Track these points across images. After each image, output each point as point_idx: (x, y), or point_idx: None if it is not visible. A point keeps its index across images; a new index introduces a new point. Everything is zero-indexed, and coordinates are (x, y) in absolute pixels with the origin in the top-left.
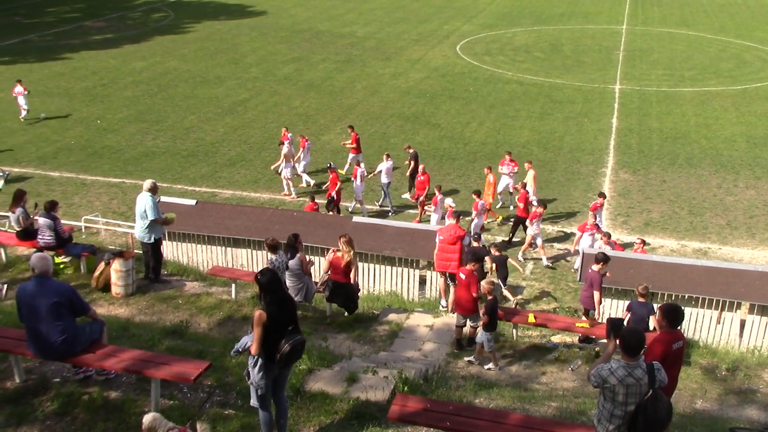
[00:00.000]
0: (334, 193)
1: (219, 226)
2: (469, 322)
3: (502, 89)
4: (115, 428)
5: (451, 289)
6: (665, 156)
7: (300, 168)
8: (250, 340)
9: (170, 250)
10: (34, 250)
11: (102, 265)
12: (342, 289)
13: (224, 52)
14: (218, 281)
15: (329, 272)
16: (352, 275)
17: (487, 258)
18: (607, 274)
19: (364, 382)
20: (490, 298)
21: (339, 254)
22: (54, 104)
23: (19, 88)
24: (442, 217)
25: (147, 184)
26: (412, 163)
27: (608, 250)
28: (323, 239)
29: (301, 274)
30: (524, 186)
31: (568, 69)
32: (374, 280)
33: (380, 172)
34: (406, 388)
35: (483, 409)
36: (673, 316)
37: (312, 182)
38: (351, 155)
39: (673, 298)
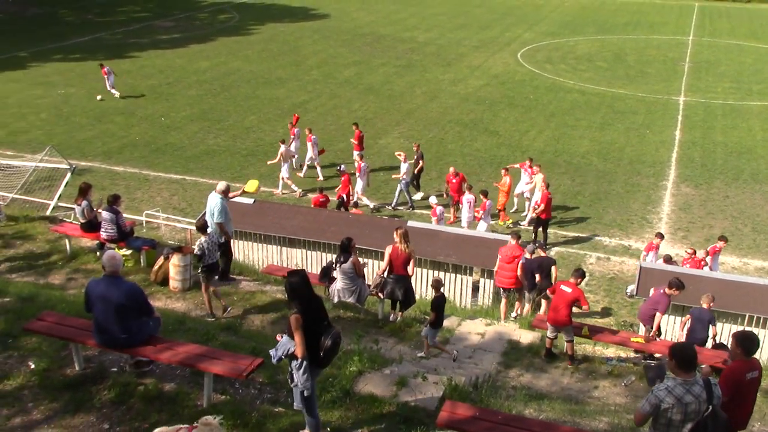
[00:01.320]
0: (344, 195)
1: (275, 226)
2: (564, 336)
3: (562, 98)
4: (168, 420)
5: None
6: (729, 171)
7: (307, 160)
8: (291, 345)
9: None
10: (97, 242)
11: (161, 260)
12: (401, 281)
13: (286, 54)
14: (273, 280)
15: (387, 267)
16: (410, 268)
17: (553, 267)
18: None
19: (414, 387)
20: (437, 294)
21: (399, 246)
22: (121, 101)
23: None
24: (475, 218)
25: (220, 185)
26: (420, 162)
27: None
28: (378, 242)
29: (355, 276)
30: (547, 186)
31: (631, 79)
32: (427, 286)
33: (404, 174)
34: (455, 395)
35: (532, 420)
36: (747, 344)
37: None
38: (355, 152)
39: (735, 318)
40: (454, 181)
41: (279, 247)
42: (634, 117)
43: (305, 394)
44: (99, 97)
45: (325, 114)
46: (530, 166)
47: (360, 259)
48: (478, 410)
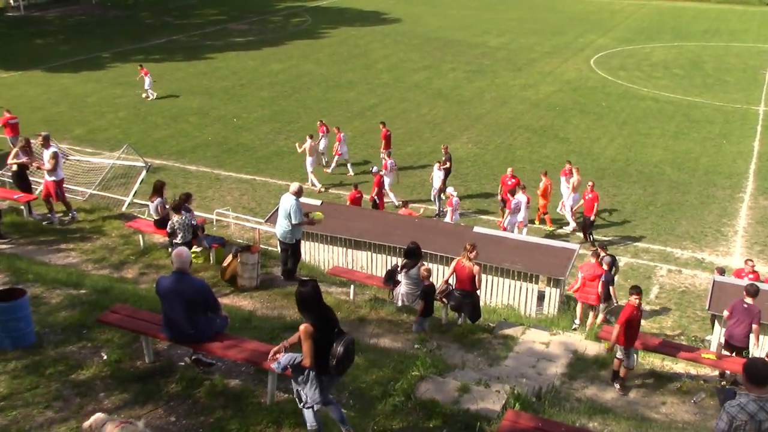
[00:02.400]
0: (375, 197)
1: (341, 228)
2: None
3: (636, 105)
4: (232, 415)
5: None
6: None
7: (344, 155)
8: (298, 356)
9: None
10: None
11: (230, 258)
12: (468, 297)
13: (357, 58)
14: (337, 281)
15: (452, 281)
16: (477, 281)
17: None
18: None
19: (476, 394)
20: (426, 284)
21: (464, 262)
22: (196, 101)
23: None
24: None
25: (293, 187)
26: (448, 164)
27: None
28: (443, 247)
29: (420, 281)
30: (592, 187)
31: (708, 87)
32: (491, 292)
33: (438, 178)
34: (517, 405)
35: None
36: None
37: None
38: (382, 151)
39: None
40: (509, 183)
41: (344, 249)
42: (711, 126)
43: (315, 409)
44: (144, 95)
45: (393, 118)
46: (570, 171)
47: (425, 264)
48: (540, 421)
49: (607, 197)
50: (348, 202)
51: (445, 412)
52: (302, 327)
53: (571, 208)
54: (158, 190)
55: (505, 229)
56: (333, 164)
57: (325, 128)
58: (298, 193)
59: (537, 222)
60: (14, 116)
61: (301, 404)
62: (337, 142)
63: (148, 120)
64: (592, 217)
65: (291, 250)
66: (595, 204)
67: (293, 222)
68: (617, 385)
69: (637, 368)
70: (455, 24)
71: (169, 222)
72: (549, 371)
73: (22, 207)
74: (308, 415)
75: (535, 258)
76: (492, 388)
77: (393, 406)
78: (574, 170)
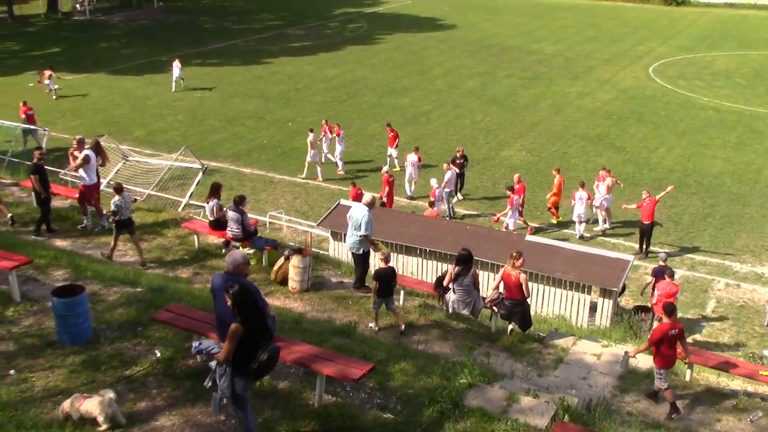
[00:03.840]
0: (386, 196)
1: (392, 233)
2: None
3: (696, 115)
4: (280, 416)
5: None
6: None
7: (338, 154)
8: (216, 347)
9: (345, 251)
10: (223, 240)
11: (282, 260)
12: (519, 306)
13: (412, 64)
14: None
15: (501, 289)
16: (524, 290)
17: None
18: None
19: (524, 405)
20: (384, 266)
21: (509, 270)
22: (252, 105)
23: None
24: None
25: (366, 198)
26: (459, 165)
27: None
28: (495, 255)
29: (471, 288)
30: (649, 195)
31: None
32: (543, 302)
33: (447, 181)
34: (566, 417)
35: None
36: None
37: (342, 170)
38: (390, 149)
39: None
40: (516, 186)
41: (395, 254)
42: None
43: (223, 401)
44: (198, 95)
45: (447, 124)
46: (608, 175)
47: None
48: None
49: (664, 208)
50: (351, 200)
51: (492, 421)
52: (232, 326)
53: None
54: (215, 191)
55: (497, 220)
56: (340, 164)
57: (342, 132)
58: (371, 204)
59: (555, 220)
60: (31, 108)
61: (210, 387)
62: (336, 135)
63: (206, 123)
64: (646, 223)
65: (359, 261)
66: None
67: (363, 232)
68: (652, 401)
69: (692, 384)
70: (511, 30)
71: (113, 201)
72: (600, 383)
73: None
74: (215, 399)
75: (588, 268)
76: (541, 398)
77: (440, 413)
78: (605, 173)
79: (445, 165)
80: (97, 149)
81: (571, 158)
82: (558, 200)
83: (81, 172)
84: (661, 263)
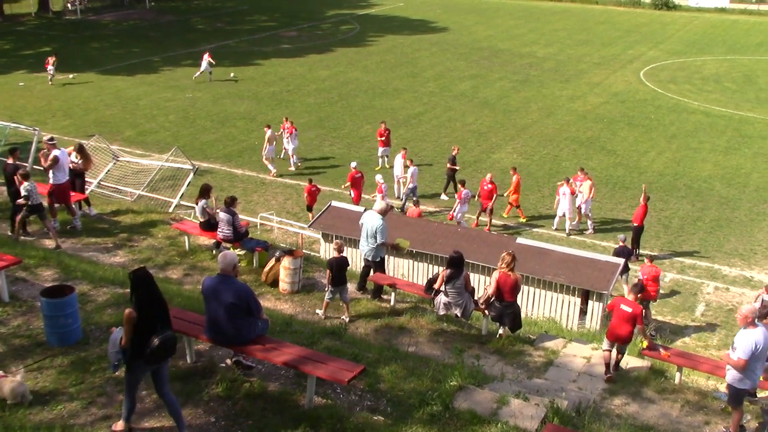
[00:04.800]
0: (353, 189)
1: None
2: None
3: (686, 119)
4: (271, 418)
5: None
6: None
7: (290, 151)
8: (121, 334)
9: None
10: (214, 241)
11: (272, 261)
12: (510, 308)
13: (404, 66)
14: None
15: (493, 291)
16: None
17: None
18: None
19: (514, 407)
20: (337, 255)
21: (506, 273)
22: (243, 106)
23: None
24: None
25: (379, 205)
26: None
27: None
28: (485, 257)
29: (463, 291)
30: (647, 200)
31: (762, 102)
32: (533, 304)
33: (411, 177)
34: (556, 419)
35: None
36: None
37: (299, 164)
38: (380, 149)
39: None
40: (486, 188)
41: (386, 256)
42: (763, 142)
43: (111, 371)
44: (232, 75)
45: (439, 126)
46: (585, 177)
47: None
48: None
49: (654, 211)
50: (305, 195)
51: (483, 423)
52: (126, 311)
53: (586, 215)
54: (204, 192)
55: (452, 218)
56: (294, 159)
57: (294, 131)
58: (384, 212)
59: (506, 215)
60: None
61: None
62: (288, 135)
63: (197, 124)
64: (636, 224)
65: (375, 268)
66: (644, 214)
67: (378, 240)
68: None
69: (681, 386)
70: (503, 34)
71: (23, 187)
72: (590, 386)
73: (74, 206)
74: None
75: (578, 271)
76: (531, 401)
77: (430, 415)
78: (583, 176)
79: (408, 161)
80: (81, 152)
81: (562, 161)
82: (518, 198)
83: (50, 172)
84: (621, 243)
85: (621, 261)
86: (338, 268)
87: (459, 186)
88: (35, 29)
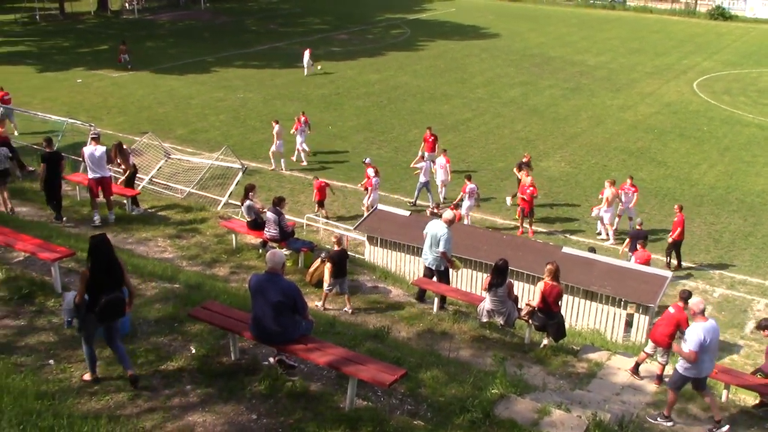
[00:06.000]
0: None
1: None
2: (659, 357)
3: (740, 132)
4: (312, 418)
5: None
6: None
7: (297, 144)
8: (74, 294)
9: (380, 256)
10: (261, 240)
11: (317, 262)
12: (554, 318)
13: (453, 71)
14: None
15: (538, 303)
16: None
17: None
18: None
19: (555, 418)
20: (337, 248)
21: (551, 283)
22: (293, 108)
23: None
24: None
25: (447, 215)
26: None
27: None
28: (530, 266)
29: (506, 299)
30: (680, 209)
31: None
32: (577, 315)
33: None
34: None
35: None
36: None
37: (307, 150)
38: (426, 154)
39: None
40: (527, 192)
41: None
42: None
43: (64, 326)
44: (319, 67)
45: (487, 133)
46: (632, 185)
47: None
48: None
49: (704, 225)
50: (315, 191)
51: None
52: (82, 270)
53: (610, 223)
54: (247, 192)
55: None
56: (302, 155)
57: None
58: (451, 221)
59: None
60: (7, 92)
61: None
62: (294, 130)
63: (247, 124)
64: (670, 239)
65: (438, 278)
66: (679, 228)
67: (441, 248)
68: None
69: (728, 405)
70: (555, 41)
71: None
72: (633, 400)
73: (125, 201)
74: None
75: (625, 283)
76: (573, 413)
77: (470, 422)
78: (607, 183)
79: (419, 156)
80: (120, 152)
81: (611, 171)
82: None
83: (87, 165)
84: (637, 227)
85: (669, 274)
86: (339, 260)
87: (465, 180)
88: (94, 28)
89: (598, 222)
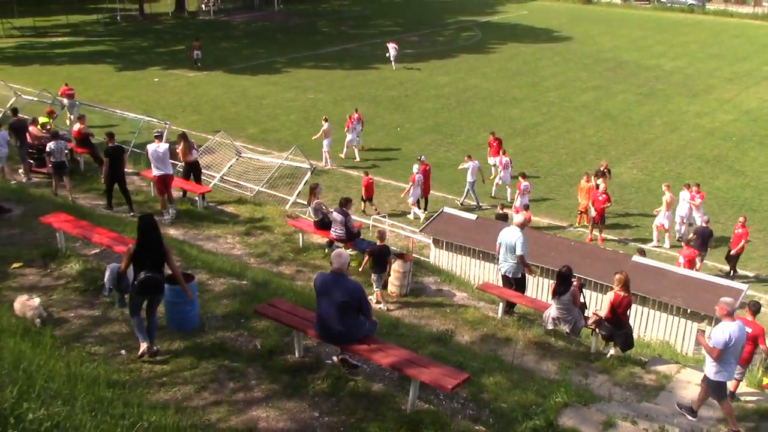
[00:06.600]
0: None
1: (495, 244)
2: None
3: None
4: (373, 418)
5: None
6: None
7: (348, 141)
8: (118, 266)
9: (445, 259)
10: (327, 240)
11: None
12: (622, 329)
13: (524, 74)
14: (486, 297)
15: (607, 313)
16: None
17: None
18: None
19: (621, 430)
20: (379, 244)
21: (620, 293)
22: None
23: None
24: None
25: (518, 218)
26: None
27: None
28: (599, 273)
29: (571, 306)
30: (743, 223)
31: None
32: (646, 325)
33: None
34: None
35: None
36: None
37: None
38: (492, 158)
39: None
40: (600, 199)
41: (496, 265)
42: None
43: (104, 294)
44: (311, 96)
45: (557, 137)
46: (698, 192)
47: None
48: None
49: None
50: (363, 188)
51: None
52: (129, 245)
53: (663, 227)
54: (312, 191)
55: (518, 211)
56: (356, 151)
57: (358, 117)
58: (523, 225)
59: (578, 224)
60: (71, 87)
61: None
62: (348, 126)
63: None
64: (733, 252)
65: (516, 286)
66: (743, 240)
67: (517, 253)
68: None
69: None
70: (629, 45)
71: (48, 146)
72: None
73: (197, 198)
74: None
75: (698, 295)
76: (639, 425)
77: (533, 430)
78: (664, 187)
79: (465, 157)
80: (184, 141)
81: (685, 179)
82: (588, 205)
83: (152, 163)
84: (703, 224)
85: (744, 287)
86: (379, 255)
87: (519, 178)
88: (171, 28)
89: (655, 228)
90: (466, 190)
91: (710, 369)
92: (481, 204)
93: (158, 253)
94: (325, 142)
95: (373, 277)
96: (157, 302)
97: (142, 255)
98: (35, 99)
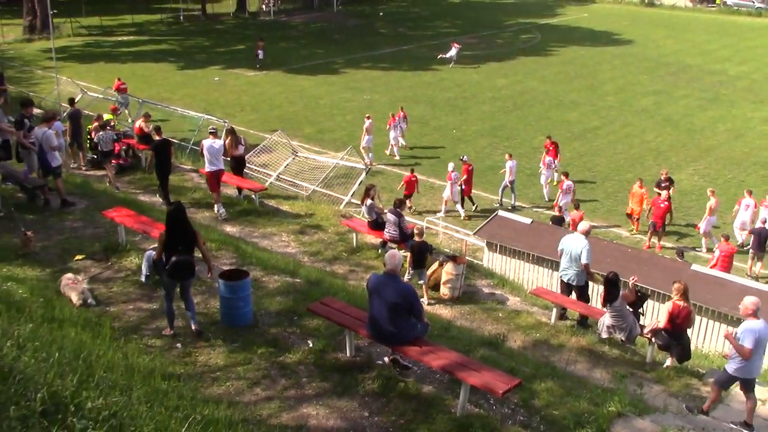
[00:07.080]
0: (464, 183)
1: (550, 248)
2: None
3: None
4: (423, 420)
5: None
6: None
7: (391, 140)
8: (154, 253)
9: (499, 262)
10: (380, 240)
11: (435, 266)
12: (680, 339)
13: (583, 78)
14: (539, 302)
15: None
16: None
17: None
18: None
19: None
20: (418, 240)
21: (679, 303)
22: (418, 110)
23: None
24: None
25: (583, 226)
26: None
27: None
28: (658, 283)
29: (626, 313)
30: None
31: None
32: (704, 336)
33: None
34: None
35: None
36: None
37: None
38: (550, 159)
39: None
40: (661, 206)
41: (550, 270)
42: None
43: (142, 278)
44: (366, 97)
45: (615, 142)
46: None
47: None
48: None
49: None
50: (403, 184)
51: None
52: (161, 232)
53: (698, 229)
54: (367, 192)
55: (560, 209)
56: (395, 149)
57: (397, 119)
58: (587, 233)
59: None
60: (123, 82)
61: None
62: (390, 124)
63: (375, 124)
64: None
65: (579, 293)
66: None
67: (583, 261)
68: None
69: None
70: (692, 49)
71: (97, 136)
72: (762, 428)
73: (254, 196)
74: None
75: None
76: None
77: None
78: (709, 192)
79: (507, 155)
80: (232, 135)
81: (748, 187)
82: (640, 210)
83: (206, 158)
84: (761, 224)
85: None
86: (419, 251)
87: (562, 177)
88: (232, 28)
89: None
90: (502, 187)
91: (731, 364)
92: (516, 204)
93: (188, 238)
94: (366, 139)
95: (412, 272)
96: (189, 285)
97: (173, 240)
98: (100, 96)
